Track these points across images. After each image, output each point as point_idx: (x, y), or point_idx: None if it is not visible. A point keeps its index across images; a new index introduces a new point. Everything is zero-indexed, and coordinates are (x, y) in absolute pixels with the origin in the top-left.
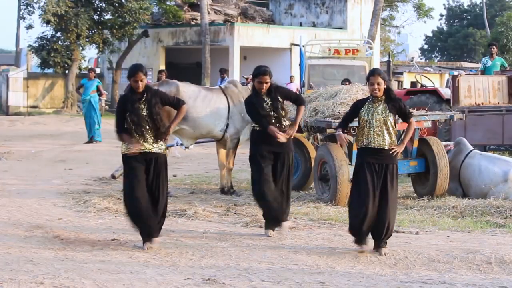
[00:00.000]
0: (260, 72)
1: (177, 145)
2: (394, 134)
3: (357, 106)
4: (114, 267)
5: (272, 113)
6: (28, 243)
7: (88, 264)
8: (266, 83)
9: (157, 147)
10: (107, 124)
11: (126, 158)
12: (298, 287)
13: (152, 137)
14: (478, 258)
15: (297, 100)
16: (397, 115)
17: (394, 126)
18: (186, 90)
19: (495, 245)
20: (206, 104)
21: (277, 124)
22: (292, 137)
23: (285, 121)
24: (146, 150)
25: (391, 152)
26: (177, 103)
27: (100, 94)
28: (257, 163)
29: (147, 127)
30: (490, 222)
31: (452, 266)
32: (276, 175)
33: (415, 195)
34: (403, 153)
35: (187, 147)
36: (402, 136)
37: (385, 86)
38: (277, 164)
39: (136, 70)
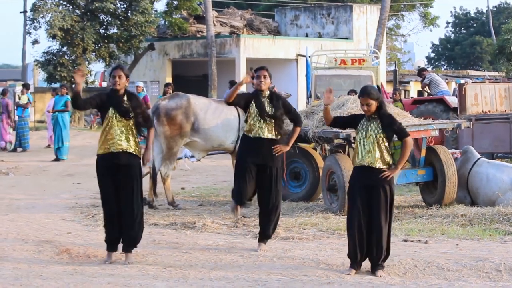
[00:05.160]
0: (258, 68)
1: (185, 157)
2: (388, 152)
3: (356, 117)
4: (123, 280)
5: (270, 118)
6: (37, 257)
7: (98, 278)
8: (264, 77)
9: (129, 147)
10: None
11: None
12: None
13: (125, 140)
14: (487, 266)
15: (295, 119)
16: (388, 135)
17: (388, 144)
18: (197, 102)
19: (505, 252)
20: (217, 116)
21: (268, 132)
22: (279, 154)
23: (277, 132)
24: (115, 151)
25: (382, 176)
26: (148, 122)
27: (66, 110)
28: (241, 175)
29: (122, 128)
30: (499, 229)
31: (462, 275)
32: (261, 188)
33: (423, 204)
34: (410, 162)
35: (199, 160)
36: (398, 158)
37: (378, 104)
38: (262, 176)
39: (115, 67)
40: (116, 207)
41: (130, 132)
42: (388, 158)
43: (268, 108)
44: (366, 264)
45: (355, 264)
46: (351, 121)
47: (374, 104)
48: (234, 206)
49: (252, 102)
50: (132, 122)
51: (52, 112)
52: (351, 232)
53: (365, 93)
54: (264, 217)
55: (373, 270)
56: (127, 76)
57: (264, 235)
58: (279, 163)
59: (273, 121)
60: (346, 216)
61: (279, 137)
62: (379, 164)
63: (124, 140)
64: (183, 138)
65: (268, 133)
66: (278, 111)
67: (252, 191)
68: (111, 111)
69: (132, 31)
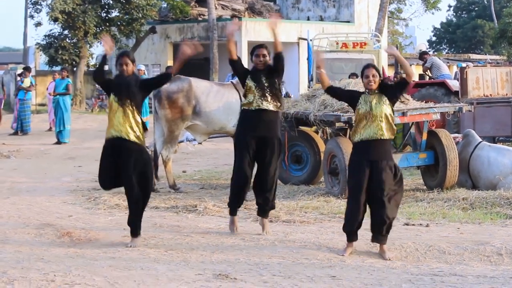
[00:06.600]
0: (257, 46)
1: (187, 140)
2: (392, 126)
3: (353, 94)
4: (125, 263)
5: (267, 89)
6: (39, 241)
7: (99, 261)
8: (263, 56)
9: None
10: None
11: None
12: (309, 281)
13: (126, 125)
14: (488, 249)
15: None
16: (396, 96)
17: (392, 117)
18: (198, 85)
19: (506, 236)
20: (219, 99)
21: (267, 104)
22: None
23: (276, 102)
24: (120, 136)
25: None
26: (161, 76)
27: (67, 93)
28: (240, 151)
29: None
30: (500, 213)
31: (463, 258)
32: (261, 161)
33: (425, 187)
34: (412, 145)
35: (200, 143)
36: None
37: (380, 80)
38: (262, 149)
39: (121, 54)
40: (109, 184)
41: (132, 117)
42: (393, 128)
43: (264, 80)
44: (368, 247)
45: (354, 236)
46: (348, 96)
47: (378, 78)
48: (232, 219)
49: (249, 76)
50: (134, 108)
51: (53, 95)
52: (354, 202)
53: (371, 65)
54: (263, 189)
55: (376, 241)
56: (133, 62)
57: (265, 208)
58: (279, 134)
59: (270, 91)
60: (346, 198)
61: (279, 107)
62: (388, 135)
63: (124, 125)
64: (184, 121)
65: (267, 104)
66: (272, 78)
67: (251, 172)
68: (112, 96)
69: (134, 14)
